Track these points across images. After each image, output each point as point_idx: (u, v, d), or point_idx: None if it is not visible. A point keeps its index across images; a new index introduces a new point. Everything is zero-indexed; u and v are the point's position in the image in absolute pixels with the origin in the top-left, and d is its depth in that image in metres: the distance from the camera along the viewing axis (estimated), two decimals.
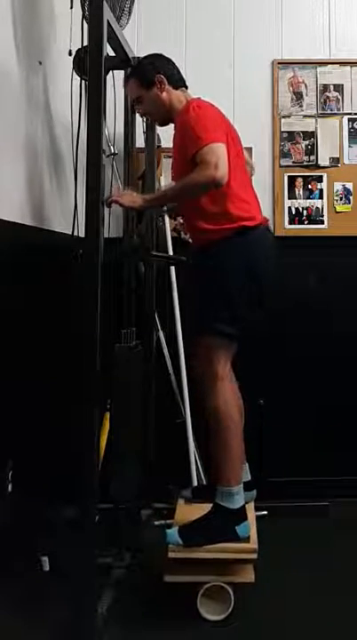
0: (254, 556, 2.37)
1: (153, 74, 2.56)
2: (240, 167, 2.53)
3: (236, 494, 2.40)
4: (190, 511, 2.54)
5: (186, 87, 2.64)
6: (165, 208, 3.13)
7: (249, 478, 2.67)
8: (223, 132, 2.42)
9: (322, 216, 3.48)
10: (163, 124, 2.70)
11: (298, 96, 3.49)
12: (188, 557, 2.36)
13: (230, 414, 2.43)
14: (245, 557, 2.38)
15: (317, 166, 3.48)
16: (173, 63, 2.63)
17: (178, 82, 2.61)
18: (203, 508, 2.45)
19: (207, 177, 2.32)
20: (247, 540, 2.39)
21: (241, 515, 2.41)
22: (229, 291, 2.45)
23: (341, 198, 3.48)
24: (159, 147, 3.22)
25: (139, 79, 2.58)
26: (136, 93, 2.62)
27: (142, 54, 2.71)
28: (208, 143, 2.34)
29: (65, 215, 2.92)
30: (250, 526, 2.44)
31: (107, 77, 2.38)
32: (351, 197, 3.47)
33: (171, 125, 2.65)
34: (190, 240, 3.07)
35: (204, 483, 3.17)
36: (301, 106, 3.49)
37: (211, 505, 2.43)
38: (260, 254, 2.51)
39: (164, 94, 2.57)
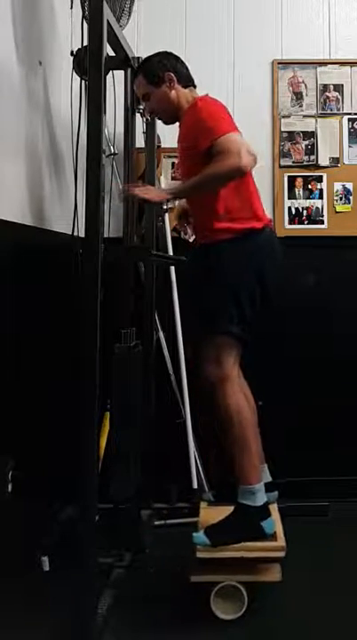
0: (282, 553, 2.36)
1: (163, 71, 2.55)
2: None
3: (258, 491, 2.39)
4: (214, 513, 2.50)
5: (195, 86, 2.63)
6: (165, 207, 3.13)
7: (270, 479, 2.64)
8: (235, 126, 2.42)
9: (322, 216, 3.48)
10: (169, 122, 2.68)
11: (298, 96, 3.49)
12: (216, 557, 2.34)
13: (242, 412, 2.42)
14: (272, 556, 2.37)
15: (317, 166, 3.47)
16: (182, 61, 2.62)
17: (188, 81, 2.60)
18: (227, 510, 2.42)
19: (231, 165, 2.29)
20: (273, 537, 2.38)
21: (264, 511, 2.40)
22: (239, 292, 2.44)
23: (341, 198, 3.48)
24: (159, 147, 3.22)
25: (149, 76, 2.57)
26: (144, 90, 2.60)
27: (142, 54, 2.71)
28: (225, 133, 2.33)
29: (65, 215, 2.92)
30: (276, 524, 2.43)
31: (107, 77, 2.38)
32: (351, 197, 3.47)
33: (172, 126, 2.64)
34: (190, 240, 3.07)
35: (204, 484, 3.18)
36: (301, 106, 3.49)
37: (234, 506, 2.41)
38: (267, 256, 2.51)
39: (173, 92, 2.56)
